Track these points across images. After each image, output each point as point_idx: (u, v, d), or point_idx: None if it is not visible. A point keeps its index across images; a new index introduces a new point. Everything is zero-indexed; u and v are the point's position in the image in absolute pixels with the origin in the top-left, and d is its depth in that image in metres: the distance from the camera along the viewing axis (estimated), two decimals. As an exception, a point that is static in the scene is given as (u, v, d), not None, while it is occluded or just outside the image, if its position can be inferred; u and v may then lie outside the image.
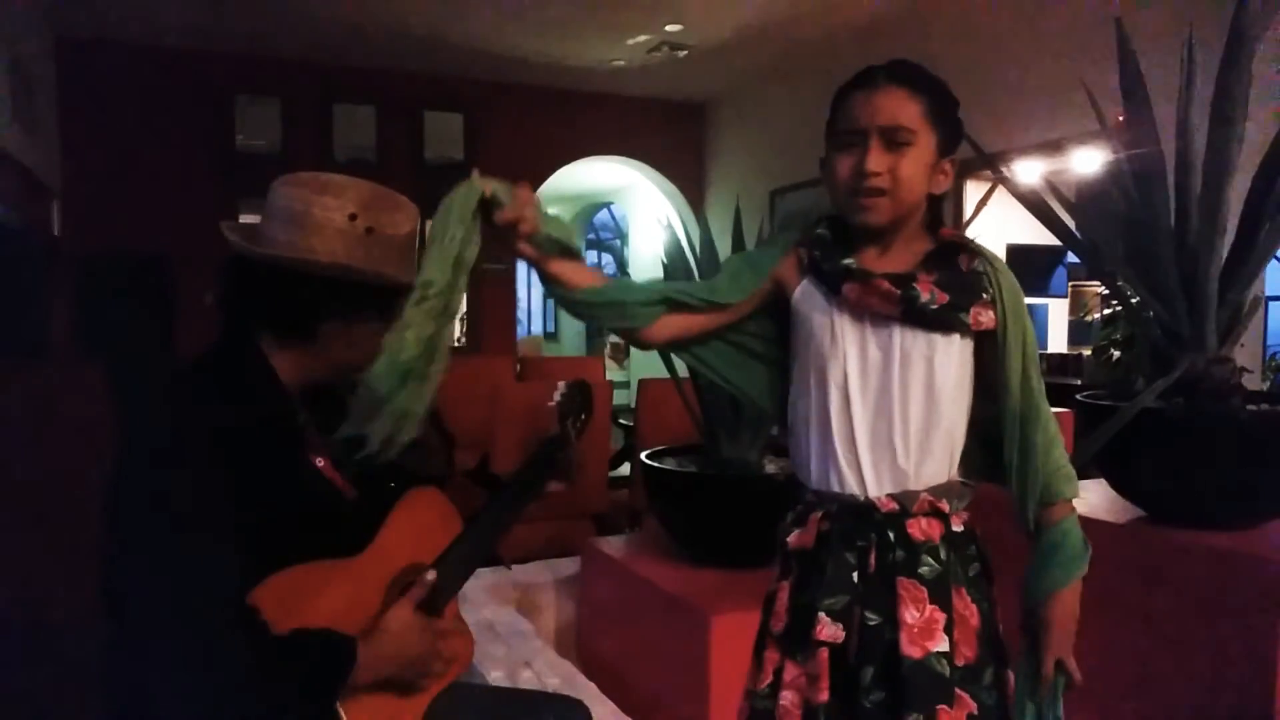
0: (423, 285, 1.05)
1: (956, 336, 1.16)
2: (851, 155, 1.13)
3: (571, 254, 1.17)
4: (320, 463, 1.29)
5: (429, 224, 1.11)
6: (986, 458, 1.23)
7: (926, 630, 1.12)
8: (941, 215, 1.24)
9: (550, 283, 1.17)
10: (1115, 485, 1.96)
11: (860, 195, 1.13)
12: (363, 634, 1.17)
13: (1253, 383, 3.48)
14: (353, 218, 1.22)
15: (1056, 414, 2.75)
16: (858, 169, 1.12)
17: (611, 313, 1.19)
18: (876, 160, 1.11)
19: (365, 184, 1.26)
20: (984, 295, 1.15)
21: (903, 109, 1.11)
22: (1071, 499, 1.20)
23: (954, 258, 1.17)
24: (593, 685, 2.10)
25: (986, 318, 1.15)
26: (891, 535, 1.15)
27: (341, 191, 1.23)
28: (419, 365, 1.06)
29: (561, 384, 1.58)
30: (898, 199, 1.13)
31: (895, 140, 1.11)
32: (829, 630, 1.13)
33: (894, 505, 1.15)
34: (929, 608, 1.12)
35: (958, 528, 1.18)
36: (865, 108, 1.12)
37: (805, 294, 1.21)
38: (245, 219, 6.57)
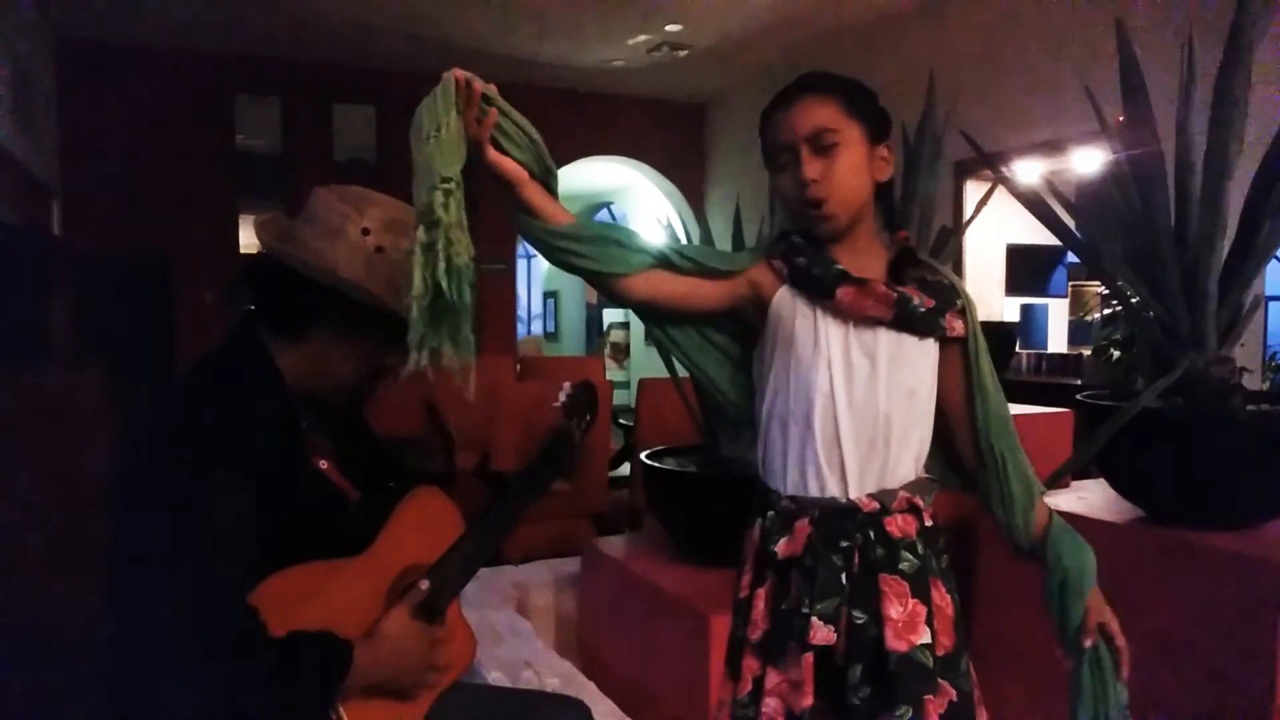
0: (443, 181, 1.01)
1: (930, 340, 1.21)
2: (788, 171, 1.17)
3: (545, 174, 1.14)
4: (323, 464, 1.29)
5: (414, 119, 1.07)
6: (959, 471, 1.28)
7: (910, 624, 1.14)
8: (894, 205, 1.28)
9: (528, 213, 1.13)
10: (1115, 485, 1.96)
11: (809, 205, 1.16)
12: (360, 638, 1.17)
13: (1253, 383, 3.48)
14: (365, 233, 1.21)
15: (1056, 414, 2.75)
16: (797, 181, 1.16)
17: (597, 250, 1.15)
18: (810, 168, 1.14)
19: (396, 204, 1.26)
20: (956, 304, 1.21)
21: (819, 113, 1.15)
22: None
23: (918, 266, 1.22)
24: (593, 685, 2.10)
25: (958, 325, 1.21)
26: (872, 534, 1.17)
27: (365, 207, 1.23)
28: (471, 261, 1.03)
29: (567, 384, 1.58)
30: (844, 199, 1.16)
31: (821, 144, 1.14)
32: (822, 634, 1.14)
33: (875, 505, 1.17)
34: (911, 601, 1.15)
35: (928, 522, 1.21)
36: (786, 124, 1.17)
37: (784, 301, 1.21)
38: (246, 219, 6.60)
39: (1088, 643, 1.20)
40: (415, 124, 1.05)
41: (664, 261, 1.19)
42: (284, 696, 1.08)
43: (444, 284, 1.00)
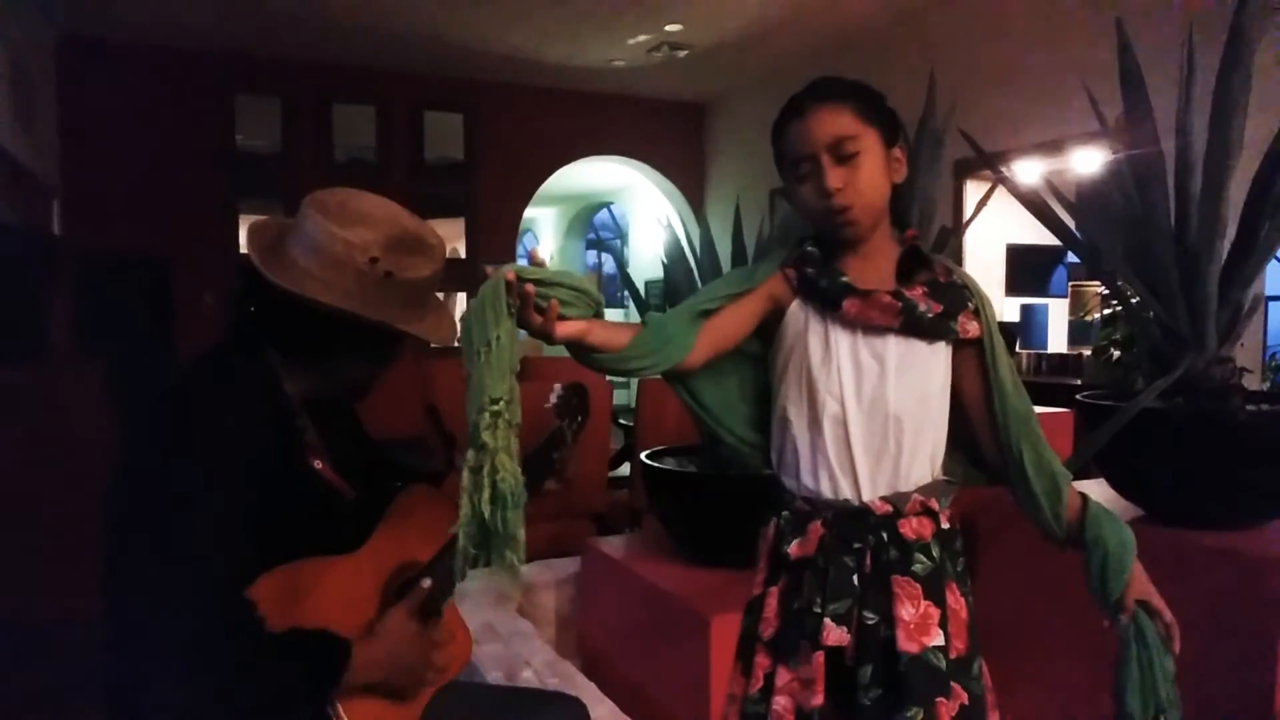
0: (491, 403, 0.97)
1: (942, 344, 1.21)
2: (809, 181, 1.17)
3: (597, 310, 1.11)
4: (318, 464, 1.29)
5: (464, 315, 1.01)
6: (984, 467, 1.27)
7: (922, 626, 1.14)
8: (904, 204, 1.27)
9: (595, 352, 1.10)
10: (1115, 485, 1.96)
11: (835, 214, 1.16)
12: (359, 637, 1.17)
13: (1253, 383, 3.48)
14: (374, 261, 1.20)
15: (1056, 414, 2.74)
16: (820, 191, 1.15)
17: (660, 352, 1.15)
18: (834, 177, 1.14)
19: (395, 218, 1.23)
20: (969, 305, 1.21)
21: (839, 121, 1.15)
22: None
23: (928, 265, 1.22)
24: (593, 685, 2.10)
25: (973, 327, 1.20)
26: (885, 536, 1.17)
27: (365, 229, 1.20)
28: (519, 486, 0.99)
29: (558, 386, 1.58)
30: (868, 204, 1.17)
31: (843, 152, 1.14)
32: (835, 635, 1.14)
33: (888, 508, 1.17)
34: (923, 604, 1.15)
35: (945, 525, 1.21)
36: (804, 134, 1.16)
37: (797, 310, 1.23)
38: (246, 219, 6.60)
39: (1123, 618, 1.19)
40: (464, 332, 1.01)
41: (703, 315, 1.19)
42: (281, 693, 1.08)
43: (485, 513, 0.97)
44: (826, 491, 1.20)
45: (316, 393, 1.27)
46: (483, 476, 0.97)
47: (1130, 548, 1.18)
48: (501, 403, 0.98)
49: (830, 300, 1.18)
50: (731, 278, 1.25)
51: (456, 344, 1.05)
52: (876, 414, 1.17)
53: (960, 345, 1.22)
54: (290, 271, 1.19)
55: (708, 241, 2.60)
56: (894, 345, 1.18)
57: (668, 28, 6.03)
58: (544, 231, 12.97)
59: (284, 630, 1.09)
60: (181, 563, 1.04)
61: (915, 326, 1.17)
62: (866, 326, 1.18)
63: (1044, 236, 3.37)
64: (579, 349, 1.10)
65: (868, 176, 1.15)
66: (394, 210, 1.25)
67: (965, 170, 5.22)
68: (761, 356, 1.29)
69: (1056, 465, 1.21)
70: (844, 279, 1.18)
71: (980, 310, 1.21)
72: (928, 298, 1.18)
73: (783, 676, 1.18)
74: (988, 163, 2.71)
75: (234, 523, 1.09)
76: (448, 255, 1.37)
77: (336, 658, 1.12)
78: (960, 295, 1.20)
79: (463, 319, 1.02)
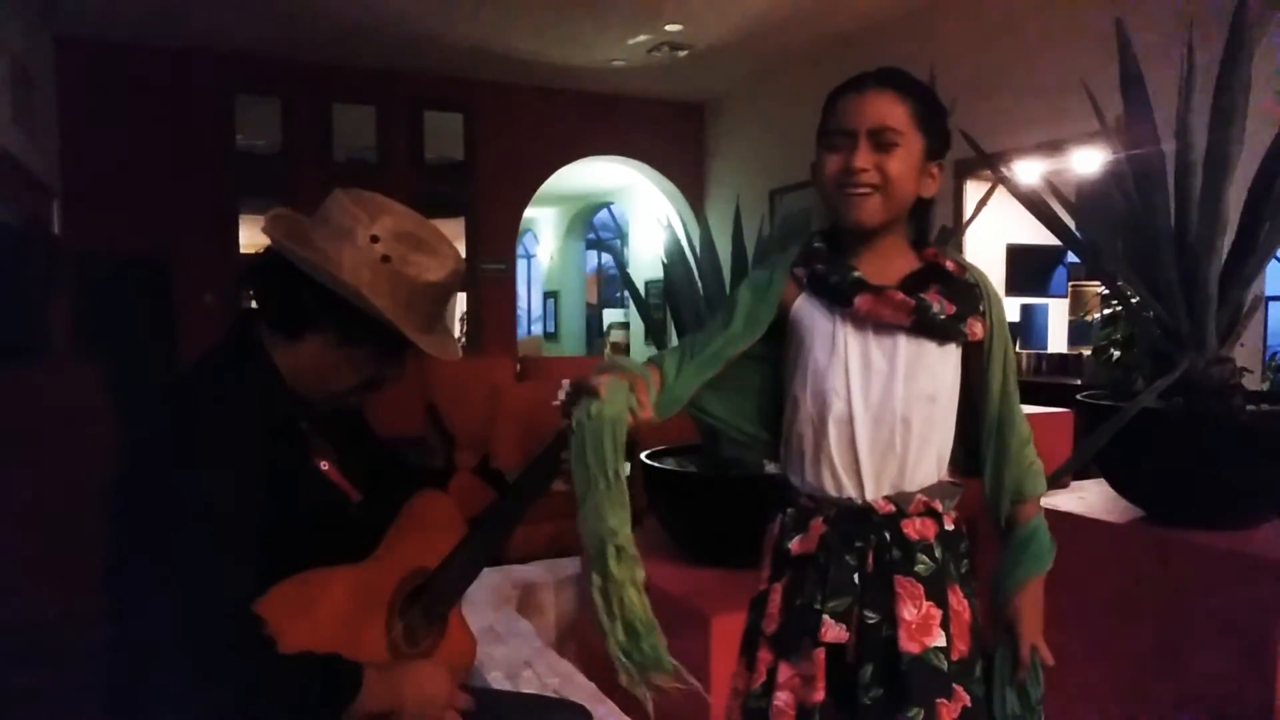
0: (612, 534, 1.06)
1: (951, 345, 1.20)
2: (840, 154, 1.15)
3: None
4: (324, 466, 1.28)
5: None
6: (965, 455, 1.29)
7: (924, 626, 1.14)
8: (928, 227, 1.27)
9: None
10: (1115, 485, 1.96)
11: (849, 188, 1.15)
12: (371, 651, 1.16)
13: (1253, 383, 3.48)
14: (374, 239, 1.18)
15: (1056, 414, 2.75)
16: (845, 166, 1.14)
17: (663, 411, 1.23)
18: (864, 158, 1.13)
19: (413, 218, 1.22)
20: (979, 307, 1.20)
21: (890, 111, 1.14)
22: (1040, 496, 1.26)
23: (940, 274, 1.21)
24: (593, 685, 2.10)
25: (979, 328, 1.20)
26: (888, 535, 1.17)
27: (380, 214, 1.19)
28: (648, 616, 1.10)
29: (566, 383, 1.57)
30: (887, 195, 1.15)
31: (883, 141, 1.13)
32: (833, 632, 1.14)
33: (891, 507, 1.17)
34: (925, 604, 1.15)
35: (949, 526, 1.21)
36: (854, 110, 1.15)
37: (804, 307, 1.22)
38: (246, 219, 6.60)
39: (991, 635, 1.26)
40: (577, 452, 1.10)
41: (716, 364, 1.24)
42: (286, 709, 1.07)
43: (622, 643, 1.09)
44: (830, 489, 1.19)
45: (300, 385, 1.24)
46: (613, 607, 1.07)
47: (1012, 586, 1.25)
48: (622, 535, 1.06)
49: (841, 295, 1.17)
50: (740, 328, 1.23)
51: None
52: (884, 415, 1.17)
53: (969, 345, 1.21)
54: (293, 241, 1.18)
55: (708, 241, 2.60)
56: (904, 346, 1.17)
57: (668, 28, 6.03)
58: (544, 231, 12.97)
59: (294, 652, 1.07)
60: (187, 569, 1.03)
61: (927, 327, 1.16)
62: (877, 325, 1.17)
63: (1044, 236, 3.37)
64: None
65: (896, 170, 1.13)
66: (417, 216, 1.23)
67: (965, 170, 5.22)
68: (764, 356, 1.29)
69: (1023, 483, 1.24)
70: (856, 274, 1.17)
71: (987, 312, 1.20)
72: (942, 296, 1.16)
73: (784, 672, 1.19)
74: (988, 163, 2.70)
75: (239, 529, 1.07)
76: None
77: (345, 683, 1.10)
78: (973, 295, 1.19)
79: (574, 435, 1.11)
